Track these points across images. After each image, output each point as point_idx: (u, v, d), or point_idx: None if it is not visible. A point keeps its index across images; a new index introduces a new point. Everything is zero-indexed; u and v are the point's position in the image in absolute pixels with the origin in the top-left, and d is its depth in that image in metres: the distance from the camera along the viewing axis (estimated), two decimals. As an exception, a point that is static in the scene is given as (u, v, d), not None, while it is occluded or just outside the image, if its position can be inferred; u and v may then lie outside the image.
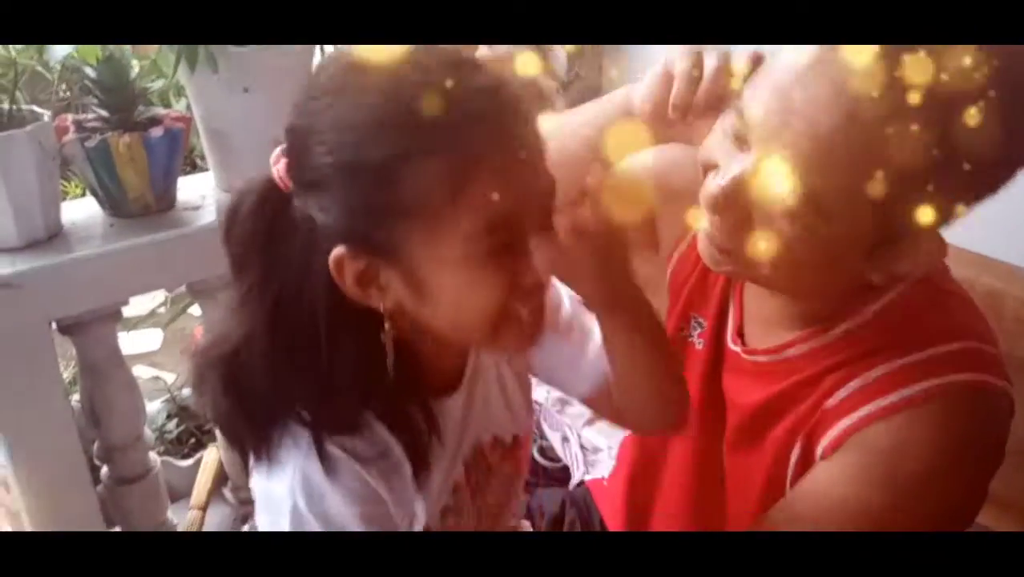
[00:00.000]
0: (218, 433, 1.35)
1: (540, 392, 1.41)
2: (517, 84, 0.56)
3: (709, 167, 0.63)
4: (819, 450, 0.67)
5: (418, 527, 0.65)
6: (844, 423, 0.65)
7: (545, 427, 1.32)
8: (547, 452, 1.28)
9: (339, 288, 0.56)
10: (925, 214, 0.56)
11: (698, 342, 0.80)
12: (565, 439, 1.28)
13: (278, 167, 0.58)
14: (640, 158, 0.81)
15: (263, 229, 0.58)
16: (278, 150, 0.59)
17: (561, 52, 1.45)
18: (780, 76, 0.58)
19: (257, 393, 0.59)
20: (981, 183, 0.57)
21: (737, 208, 0.61)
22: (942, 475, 0.62)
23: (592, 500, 1.03)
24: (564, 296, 0.72)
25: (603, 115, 0.76)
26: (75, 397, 1.24)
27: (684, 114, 0.66)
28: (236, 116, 1.11)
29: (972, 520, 0.66)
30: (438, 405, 0.64)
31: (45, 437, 1.09)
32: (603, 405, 0.73)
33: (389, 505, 0.61)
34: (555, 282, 0.68)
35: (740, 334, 0.76)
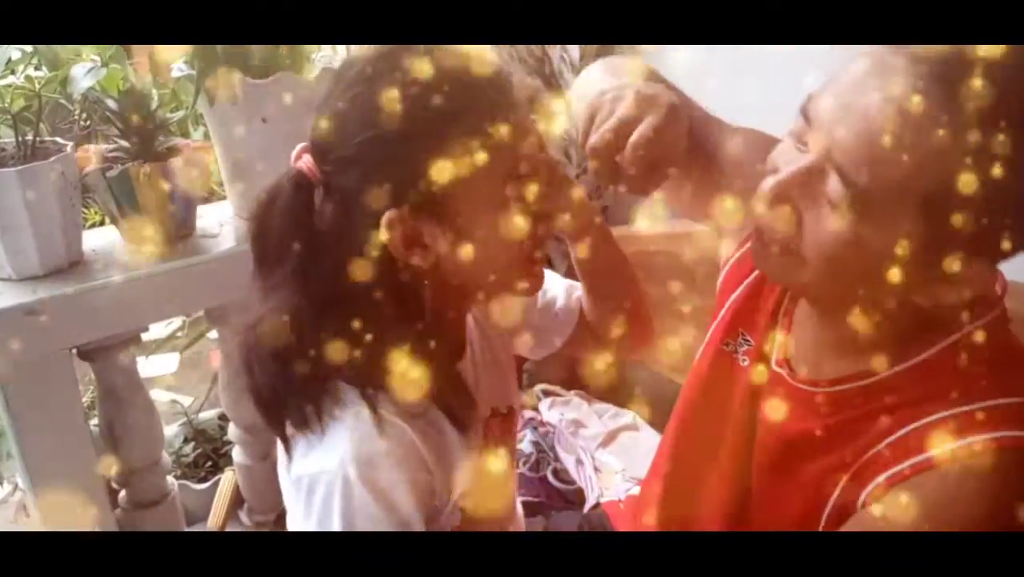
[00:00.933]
0: (236, 456, 1.36)
1: (553, 415, 1.42)
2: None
3: (771, 172, 0.64)
4: (863, 496, 0.65)
5: (457, 493, 0.70)
6: (891, 471, 0.63)
7: (559, 450, 1.33)
8: (561, 474, 1.29)
9: (380, 253, 0.63)
10: (974, 236, 0.56)
11: (743, 359, 0.79)
12: (579, 462, 1.29)
13: (304, 160, 0.65)
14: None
15: (301, 216, 0.64)
16: (299, 148, 0.66)
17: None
18: (843, 77, 0.60)
19: (307, 362, 0.63)
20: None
21: (789, 204, 0.62)
22: (988, 529, 0.59)
23: (609, 523, 1.03)
24: None
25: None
26: (94, 422, 1.25)
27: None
28: (255, 146, 1.13)
29: None
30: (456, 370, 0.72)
31: (64, 461, 1.10)
32: (583, 339, 0.85)
33: (433, 474, 0.66)
34: None
35: (787, 358, 0.75)
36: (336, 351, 0.63)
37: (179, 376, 1.95)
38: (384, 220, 0.62)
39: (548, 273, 0.86)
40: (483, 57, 0.63)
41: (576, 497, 1.24)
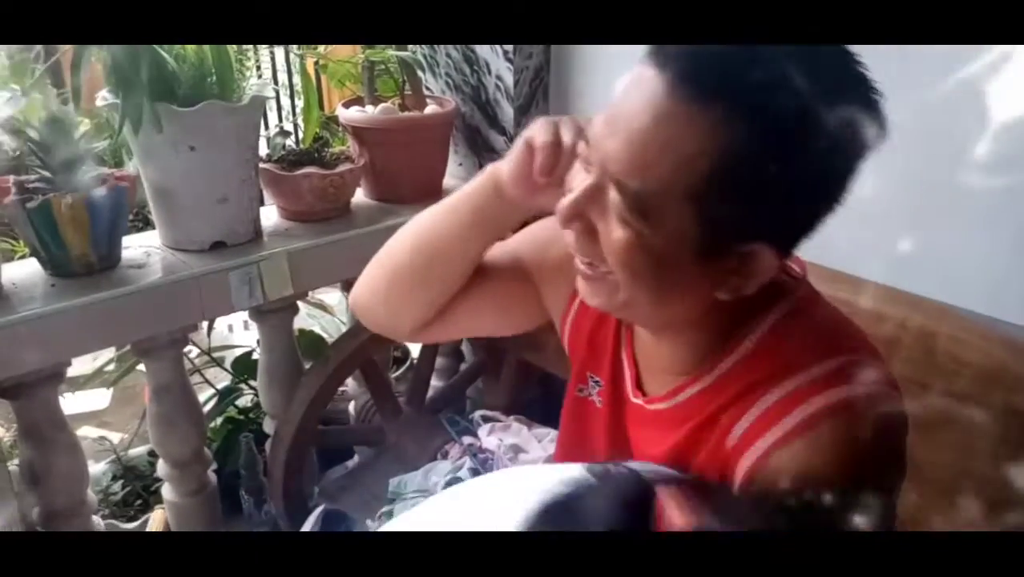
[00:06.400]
0: (166, 493, 1.32)
1: (492, 440, 1.41)
2: None
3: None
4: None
5: None
6: (747, 460, 0.65)
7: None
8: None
9: None
10: (747, 225, 0.59)
11: (597, 400, 0.81)
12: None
13: None
14: (520, 235, 0.85)
15: None
16: None
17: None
18: (615, 98, 0.62)
19: None
20: (794, 198, 0.60)
21: (583, 219, 0.65)
22: (850, 490, 0.61)
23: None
24: None
25: (473, 195, 0.78)
26: (13, 462, 1.21)
27: (549, 176, 0.70)
28: (182, 174, 1.12)
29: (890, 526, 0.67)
30: None
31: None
32: None
33: None
34: None
35: (639, 386, 0.77)
36: None
37: (111, 411, 1.89)
38: None
39: None
40: None
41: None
